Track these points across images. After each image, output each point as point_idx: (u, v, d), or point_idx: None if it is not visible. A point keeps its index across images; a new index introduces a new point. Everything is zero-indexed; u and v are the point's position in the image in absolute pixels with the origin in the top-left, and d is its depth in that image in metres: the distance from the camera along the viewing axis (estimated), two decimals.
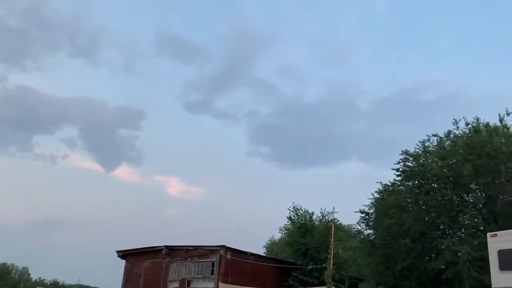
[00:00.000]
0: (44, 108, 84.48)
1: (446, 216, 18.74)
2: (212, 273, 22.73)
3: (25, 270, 55.65)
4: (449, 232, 20.39)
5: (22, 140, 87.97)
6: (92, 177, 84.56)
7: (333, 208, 28.18)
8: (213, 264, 22.95)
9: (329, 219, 27.80)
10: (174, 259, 24.68)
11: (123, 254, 27.13)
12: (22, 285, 48.66)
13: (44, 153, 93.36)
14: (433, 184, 20.07)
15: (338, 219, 28.41)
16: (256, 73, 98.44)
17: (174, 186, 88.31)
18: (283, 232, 34.86)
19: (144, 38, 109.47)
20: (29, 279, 53.79)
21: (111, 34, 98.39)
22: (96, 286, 49.90)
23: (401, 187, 21.86)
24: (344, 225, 30.95)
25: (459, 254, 16.96)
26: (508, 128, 20.06)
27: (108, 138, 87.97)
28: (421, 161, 20.90)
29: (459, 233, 20.06)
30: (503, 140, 18.77)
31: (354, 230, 28.17)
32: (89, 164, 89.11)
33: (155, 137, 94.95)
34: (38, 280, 53.63)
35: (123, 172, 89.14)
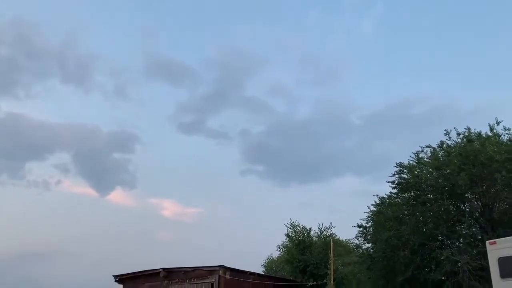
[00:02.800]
0: (36, 134, 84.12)
1: (444, 226, 18.76)
2: None
3: None
4: (447, 242, 20.38)
5: (13, 168, 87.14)
6: (87, 202, 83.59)
7: (331, 223, 28.15)
8: (212, 284, 22.64)
9: (327, 235, 27.73)
10: (173, 281, 24.31)
11: (120, 279, 26.67)
12: None
13: (37, 180, 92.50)
14: (429, 195, 20.13)
15: (336, 234, 28.37)
16: (247, 93, 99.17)
17: (169, 208, 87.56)
18: (281, 250, 34.63)
19: (134, 62, 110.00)
20: None
21: (101, 59, 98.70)
22: None
23: (398, 199, 21.90)
24: (342, 240, 30.89)
25: (459, 264, 16.94)
26: (499, 137, 20.30)
27: (101, 162, 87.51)
28: (416, 172, 21.01)
29: (457, 243, 20.06)
30: (496, 149, 18.95)
31: (352, 244, 28.07)
32: (83, 189, 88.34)
33: (149, 159, 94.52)
34: None
35: (117, 196, 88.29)
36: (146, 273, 25.24)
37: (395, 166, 21.55)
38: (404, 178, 21.19)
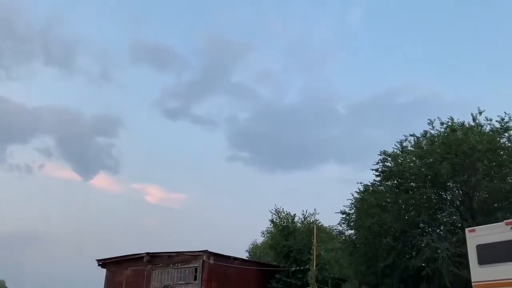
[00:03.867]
0: (18, 118, 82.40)
1: (425, 214, 19.07)
2: (195, 279, 22.50)
3: (1, 284, 54.18)
4: (428, 230, 20.77)
5: None
6: (70, 186, 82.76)
7: (315, 210, 28.37)
8: (196, 269, 22.74)
9: (311, 221, 27.97)
10: (156, 266, 24.35)
11: (103, 263, 26.64)
12: None
13: (19, 164, 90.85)
14: (411, 183, 20.40)
15: (319, 220, 28.62)
16: (234, 79, 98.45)
17: (154, 194, 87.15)
18: (266, 236, 34.89)
19: (119, 46, 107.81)
20: None
21: (85, 43, 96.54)
22: None
23: (381, 187, 22.15)
24: (325, 226, 31.20)
25: (439, 251, 17.29)
26: (482, 127, 20.60)
27: (84, 146, 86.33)
28: (400, 160, 21.24)
29: (438, 231, 20.45)
30: (478, 139, 19.24)
31: (335, 231, 28.42)
32: (66, 173, 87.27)
33: (133, 144, 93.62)
34: None
35: (101, 180, 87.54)
36: (130, 257, 25.23)
37: (379, 154, 21.78)
38: (387, 166, 21.42)
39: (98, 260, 26.62)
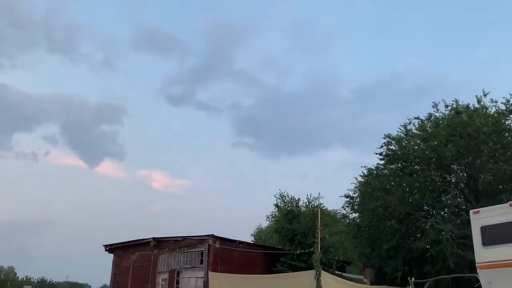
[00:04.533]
0: (23, 106, 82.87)
1: (430, 197, 19.14)
2: (202, 263, 22.76)
3: (10, 270, 55.00)
4: (432, 212, 20.86)
5: (1, 139, 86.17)
6: (75, 173, 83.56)
7: (319, 194, 28.49)
8: (202, 253, 22.97)
9: (315, 205, 28.11)
10: (163, 250, 24.63)
11: (110, 248, 26.96)
12: (8, 284, 48.03)
13: (25, 151, 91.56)
14: (416, 166, 20.44)
15: (323, 204, 28.74)
16: (237, 65, 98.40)
17: (159, 180, 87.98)
18: (270, 220, 35.17)
19: (121, 33, 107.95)
20: (15, 279, 53.11)
21: (88, 30, 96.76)
22: (85, 282, 49.49)
23: (385, 170, 22.21)
24: (330, 210, 31.37)
25: (443, 232, 17.39)
26: (487, 109, 20.50)
27: (89, 134, 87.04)
28: (404, 144, 21.23)
29: (442, 213, 20.54)
30: (483, 121, 19.18)
31: (339, 215, 28.60)
32: (71, 160, 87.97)
33: (138, 131, 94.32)
34: (24, 279, 53.01)
35: (106, 167, 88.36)
36: (137, 242, 25.51)
37: (383, 138, 21.77)
38: (392, 150, 21.42)
39: (105, 246, 26.96)
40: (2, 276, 52.02)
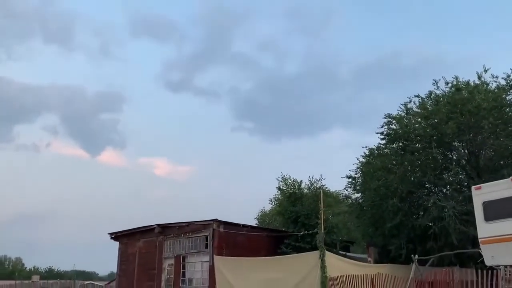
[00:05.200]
0: (22, 97, 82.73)
1: (431, 175, 19.20)
2: (206, 247, 22.99)
3: (18, 260, 55.80)
4: (434, 190, 20.96)
5: (1, 132, 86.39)
6: (78, 163, 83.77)
7: (321, 176, 28.57)
8: (206, 238, 23.17)
9: (317, 186, 28.21)
10: (168, 236, 24.85)
11: (116, 236, 27.21)
12: (17, 274, 48.75)
13: (26, 143, 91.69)
14: (417, 145, 20.45)
15: (326, 185, 28.83)
16: (235, 48, 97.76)
17: (161, 167, 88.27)
18: (273, 203, 35.32)
19: (117, 19, 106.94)
20: (23, 269, 53.83)
21: (83, 17, 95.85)
22: (92, 270, 50.15)
23: (386, 150, 22.23)
24: (332, 191, 31.48)
25: (445, 209, 17.49)
26: (487, 85, 20.40)
27: (90, 123, 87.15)
28: (405, 122, 21.20)
29: (444, 190, 20.63)
30: (484, 97, 19.11)
31: (341, 195, 28.73)
32: (73, 150, 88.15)
33: (138, 119, 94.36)
34: (32, 269, 53.83)
35: (108, 156, 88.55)
36: (141, 229, 25.73)
37: (384, 117, 21.73)
38: (392, 129, 21.40)
39: (111, 234, 27.19)
40: (10, 267, 52.71)
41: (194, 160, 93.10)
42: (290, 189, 28.45)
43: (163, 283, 24.18)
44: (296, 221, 26.10)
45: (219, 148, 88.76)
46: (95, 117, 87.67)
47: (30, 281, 38.10)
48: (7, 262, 53.78)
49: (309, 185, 28.73)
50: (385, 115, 21.70)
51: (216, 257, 22.00)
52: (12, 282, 36.78)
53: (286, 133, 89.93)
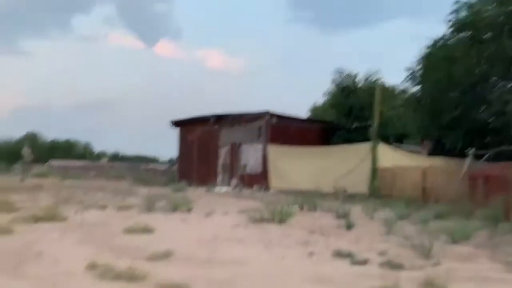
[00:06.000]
0: None
1: (500, 67, 17.99)
2: (259, 137, 23.93)
3: (87, 145, 60.83)
4: (500, 84, 19.76)
5: (61, 22, 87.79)
6: (135, 54, 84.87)
7: (378, 69, 27.74)
8: (260, 128, 24.01)
9: (373, 80, 27.50)
10: (223, 126, 25.99)
11: (176, 123, 28.75)
12: (87, 157, 53.67)
13: (85, 34, 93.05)
14: (487, 34, 18.88)
15: (382, 79, 28.03)
16: None
17: (215, 59, 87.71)
18: (328, 96, 35.09)
19: None
20: (92, 152, 58.84)
21: None
22: (152, 155, 53.85)
23: (452, 39, 20.76)
24: (389, 86, 30.59)
25: (509, 103, 16.68)
26: None
27: (144, 13, 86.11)
28: (475, 9, 19.37)
29: (509, 86, 19.41)
30: None
31: (398, 90, 27.96)
32: (129, 41, 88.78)
33: (192, 8, 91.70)
34: (100, 152, 58.83)
35: (163, 47, 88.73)
36: (199, 118, 26.96)
37: (454, 4, 19.89)
38: (461, 17, 19.72)
39: (172, 121, 28.78)
40: (82, 151, 57.73)
41: (249, 52, 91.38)
42: (345, 82, 28.05)
43: (219, 168, 25.94)
44: (349, 114, 26.15)
45: (275, 40, 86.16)
46: (150, 6, 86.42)
47: (101, 161, 42.21)
48: (78, 146, 58.72)
49: (365, 78, 28.12)
50: (455, 0, 19.85)
51: (269, 146, 22.94)
52: (85, 162, 40.82)
53: (344, 22, 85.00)
